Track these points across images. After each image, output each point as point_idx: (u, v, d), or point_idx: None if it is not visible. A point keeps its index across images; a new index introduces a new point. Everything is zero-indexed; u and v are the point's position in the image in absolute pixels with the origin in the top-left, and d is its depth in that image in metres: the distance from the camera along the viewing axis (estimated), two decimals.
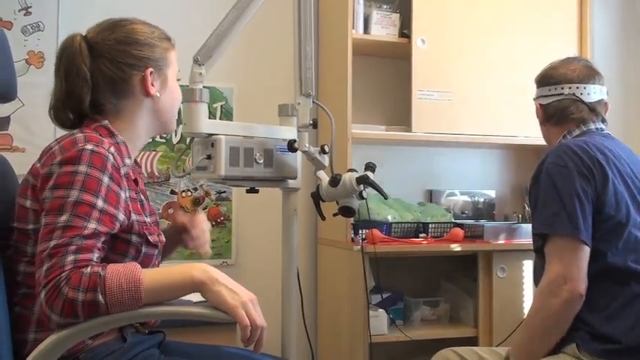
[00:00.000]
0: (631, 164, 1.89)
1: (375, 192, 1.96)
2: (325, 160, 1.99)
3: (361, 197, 1.98)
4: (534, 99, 2.13)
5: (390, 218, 2.92)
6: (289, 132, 1.96)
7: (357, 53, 2.88)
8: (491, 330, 2.75)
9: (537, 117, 2.12)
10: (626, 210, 1.79)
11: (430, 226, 2.96)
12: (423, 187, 3.37)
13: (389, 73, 3.27)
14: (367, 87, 3.22)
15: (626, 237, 1.78)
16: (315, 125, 1.97)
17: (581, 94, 2.00)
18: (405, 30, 2.98)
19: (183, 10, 2.98)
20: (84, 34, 1.57)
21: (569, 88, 2.00)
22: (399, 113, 3.14)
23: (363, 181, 1.93)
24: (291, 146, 1.90)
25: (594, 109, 2.00)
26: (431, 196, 3.34)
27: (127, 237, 1.45)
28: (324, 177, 2.03)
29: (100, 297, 1.25)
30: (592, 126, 1.99)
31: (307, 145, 1.94)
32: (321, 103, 2.01)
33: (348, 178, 1.94)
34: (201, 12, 2.96)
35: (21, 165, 1.68)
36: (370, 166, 2.01)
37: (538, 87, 2.11)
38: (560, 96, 2.01)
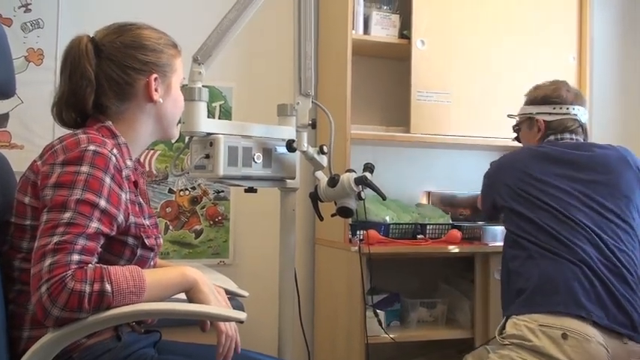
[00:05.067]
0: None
1: (373, 193, 1.96)
2: (324, 160, 1.99)
3: (359, 198, 1.98)
4: (532, 114, 2.35)
5: (387, 219, 2.92)
6: (288, 132, 1.96)
7: (356, 54, 2.87)
8: (488, 332, 2.75)
9: (531, 130, 2.36)
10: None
11: (428, 227, 2.96)
12: (421, 188, 3.37)
13: (388, 74, 3.27)
14: (366, 88, 3.22)
15: None
16: (314, 125, 1.97)
17: (579, 115, 2.29)
18: (405, 31, 2.98)
19: (182, 9, 2.98)
20: (91, 36, 1.57)
21: (573, 109, 2.29)
22: (398, 114, 3.14)
23: (362, 181, 1.93)
24: (290, 146, 1.90)
25: (585, 129, 2.32)
26: (429, 197, 3.34)
27: (124, 238, 1.45)
28: (323, 177, 2.03)
29: (107, 286, 1.25)
30: (552, 137, 2.29)
31: (306, 145, 1.94)
32: (321, 103, 2.01)
33: (347, 178, 1.94)
34: (201, 11, 2.96)
35: (19, 162, 1.68)
36: (369, 167, 2.01)
37: (536, 104, 2.35)
38: (566, 115, 2.29)
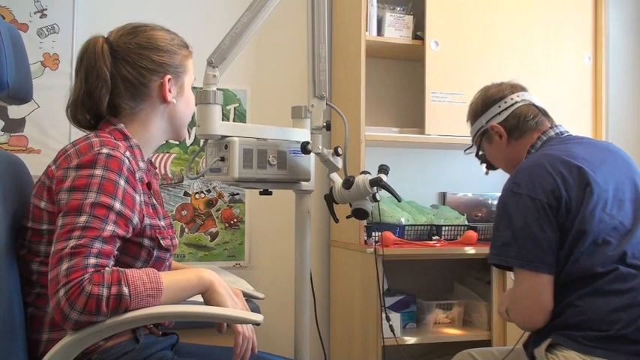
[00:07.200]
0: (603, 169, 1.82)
1: (389, 194, 1.95)
2: (338, 162, 1.99)
3: (374, 199, 1.97)
4: (482, 126, 2.03)
5: (403, 221, 2.91)
6: (303, 134, 1.96)
7: (370, 55, 2.87)
8: (505, 333, 2.73)
9: (492, 143, 2.03)
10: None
11: (443, 228, 2.95)
12: (437, 189, 3.36)
13: (402, 75, 3.26)
14: (380, 89, 3.22)
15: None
16: (328, 127, 1.97)
17: (530, 98, 2.01)
18: (419, 32, 2.98)
19: (197, 13, 2.99)
20: (105, 36, 1.58)
21: (517, 96, 2.00)
22: (413, 115, 3.13)
23: (377, 183, 1.92)
24: (305, 148, 1.90)
25: (545, 113, 2.00)
26: (444, 198, 3.33)
27: (139, 240, 1.45)
28: (338, 179, 2.02)
29: (125, 289, 1.26)
30: (552, 133, 1.95)
31: (320, 148, 1.94)
32: (335, 105, 2.01)
33: (362, 180, 1.94)
34: (214, 14, 2.97)
35: (36, 166, 1.70)
36: (383, 169, 2.00)
37: (482, 114, 2.04)
38: (515, 105, 1.98)
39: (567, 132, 1.98)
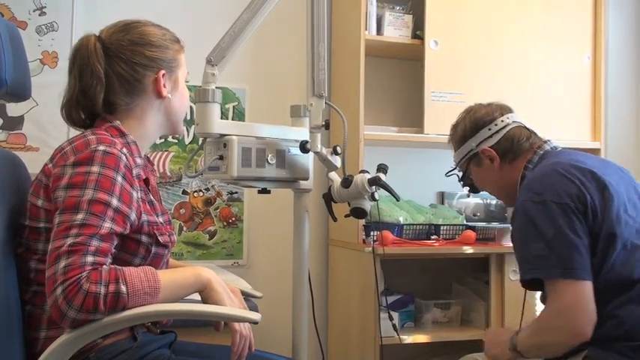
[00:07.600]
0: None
1: (387, 193, 1.95)
2: (337, 161, 1.98)
3: (373, 199, 1.97)
4: (472, 149, 1.99)
5: (401, 220, 2.91)
6: (301, 133, 1.96)
7: (369, 54, 2.87)
8: None
9: (482, 167, 2.00)
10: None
11: (442, 228, 2.95)
12: (435, 188, 3.36)
13: (401, 74, 3.26)
14: (379, 88, 3.22)
15: None
16: (327, 126, 1.96)
17: (520, 120, 1.97)
18: (418, 31, 2.98)
19: (196, 11, 2.99)
20: (97, 34, 1.58)
21: (507, 118, 1.96)
22: (412, 115, 3.13)
23: (375, 182, 1.92)
24: (304, 147, 1.90)
25: (535, 134, 1.97)
26: (443, 198, 3.33)
27: (137, 237, 1.45)
28: (336, 178, 2.02)
29: (123, 287, 1.26)
30: (547, 147, 1.92)
31: (319, 146, 1.94)
32: (334, 104, 2.01)
33: (360, 179, 1.94)
34: (214, 12, 2.97)
35: (34, 164, 1.69)
36: (382, 168, 2.00)
37: (471, 137, 1.99)
38: (507, 127, 1.94)
39: (560, 147, 1.96)
